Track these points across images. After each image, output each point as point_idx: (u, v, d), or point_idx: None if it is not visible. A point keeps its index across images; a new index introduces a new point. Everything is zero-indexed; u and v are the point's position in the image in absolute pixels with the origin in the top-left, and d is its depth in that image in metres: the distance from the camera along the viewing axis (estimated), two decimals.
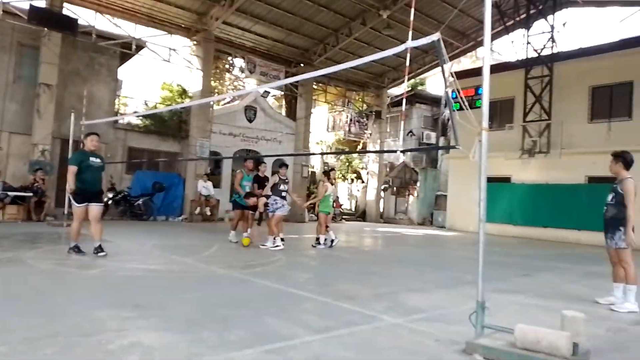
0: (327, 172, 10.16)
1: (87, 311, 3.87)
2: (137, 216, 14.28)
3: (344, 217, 21.67)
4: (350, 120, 26.36)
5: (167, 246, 8.60)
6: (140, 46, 15.46)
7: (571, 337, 3.07)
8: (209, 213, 15.46)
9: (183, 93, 18.89)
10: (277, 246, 8.69)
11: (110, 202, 13.89)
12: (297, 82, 19.03)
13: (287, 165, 9.55)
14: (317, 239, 9.60)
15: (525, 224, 16.30)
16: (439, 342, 3.55)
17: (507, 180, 16.96)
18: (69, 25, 13.18)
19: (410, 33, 4.70)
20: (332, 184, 9.87)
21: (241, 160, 18.97)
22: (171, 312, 3.98)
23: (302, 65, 19.20)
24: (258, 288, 5.25)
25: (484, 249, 3.47)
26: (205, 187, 15.35)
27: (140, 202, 14.34)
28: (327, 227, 9.64)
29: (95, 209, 6.70)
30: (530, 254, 10.99)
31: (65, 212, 11.17)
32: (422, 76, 25.48)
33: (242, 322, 3.77)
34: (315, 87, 21.42)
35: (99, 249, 6.63)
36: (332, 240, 9.72)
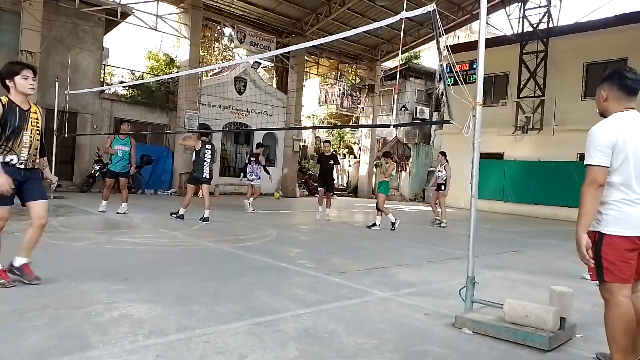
0: (390, 153, 10.23)
1: (75, 284, 3.83)
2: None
3: (335, 192, 21.67)
4: (343, 93, 26.10)
5: (156, 220, 8.55)
6: (126, 13, 14.98)
7: (559, 311, 3.10)
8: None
9: (170, 63, 18.45)
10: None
11: (97, 174, 13.72)
12: (288, 53, 18.65)
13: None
14: (374, 223, 9.27)
15: (516, 201, 16.46)
16: (429, 316, 3.58)
17: (499, 156, 17.01)
18: None
19: (404, 3, 4.57)
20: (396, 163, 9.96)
21: (231, 133, 18.81)
22: (161, 286, 3.96)
23: (293, 35, 18.80)
24: (248, 262, 5.24)
25: (475, 225, 3.47)
26: None
27: None
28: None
29: None
30: (520, 231, 11.13)
31: (55, 184, 11.03)
32: (416, 50, 25.13)
33: (232, 296, 3.77)
34: (307, 58, 21.05)
35: None
36: (393, 223, 9.13)
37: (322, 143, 10.84)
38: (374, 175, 23.24)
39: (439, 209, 10.77)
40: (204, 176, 8.58)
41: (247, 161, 11.46)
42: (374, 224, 9.24)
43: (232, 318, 3.21)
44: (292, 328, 3.10)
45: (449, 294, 4.14)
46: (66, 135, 11.40)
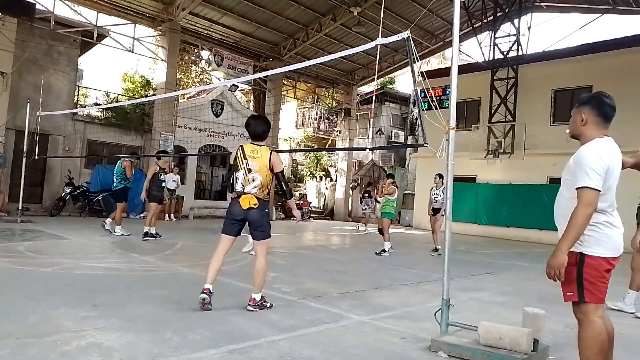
0: (392, 175, 10.04)
1: (42, 310, 3.69)
2: (97, 212, 13.75)
3: (312, 215, 21.63)
4: (320, 117, 26.38)
5: (127, 244, 8.33)
6: (102, 35, 14.90)
7: (532, 333, 3.15)
8: (173, 211, 15.10)
9: (146, 85, 18.32)
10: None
11: (68, 197, 13.34)
12: (266, 77, 18.81)
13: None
14: (383, 249, 9.00)
15: (489, 223, 16.73)
16: (405, 339, 3.57)
17: (472, 180, 17.35)
18: (25, 10, 12.48)
19: (380, 30, 4.71)
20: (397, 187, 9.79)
21: (207, 156, 18.65)
22: (132, 312, 3.84)
23: (271, 59, 19.02)
24: (224, 286, 5.14)
25: (449, 247, 3.51)
26: (175, 180, 14.88)
27: (99, 197, 13.81)
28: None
29: None
30: (493, 253, 11.29)
31: (20, 207, 10.67)
32: (391, 75, 25.74)
33: (206, 322, 3.69)
34: (284, 82, 21.27)
35: None
36: (384, 250, 8.95)
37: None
38: (350, 198, 23.37)
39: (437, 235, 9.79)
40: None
41: (362, 196, 16.48)
42: (385, 251, 8.92)
43: (206, 345, 3.13)
44: (267, 355, 3.04)
45: (425, 317, 4.14)
46: (36, 157, 11.11)
